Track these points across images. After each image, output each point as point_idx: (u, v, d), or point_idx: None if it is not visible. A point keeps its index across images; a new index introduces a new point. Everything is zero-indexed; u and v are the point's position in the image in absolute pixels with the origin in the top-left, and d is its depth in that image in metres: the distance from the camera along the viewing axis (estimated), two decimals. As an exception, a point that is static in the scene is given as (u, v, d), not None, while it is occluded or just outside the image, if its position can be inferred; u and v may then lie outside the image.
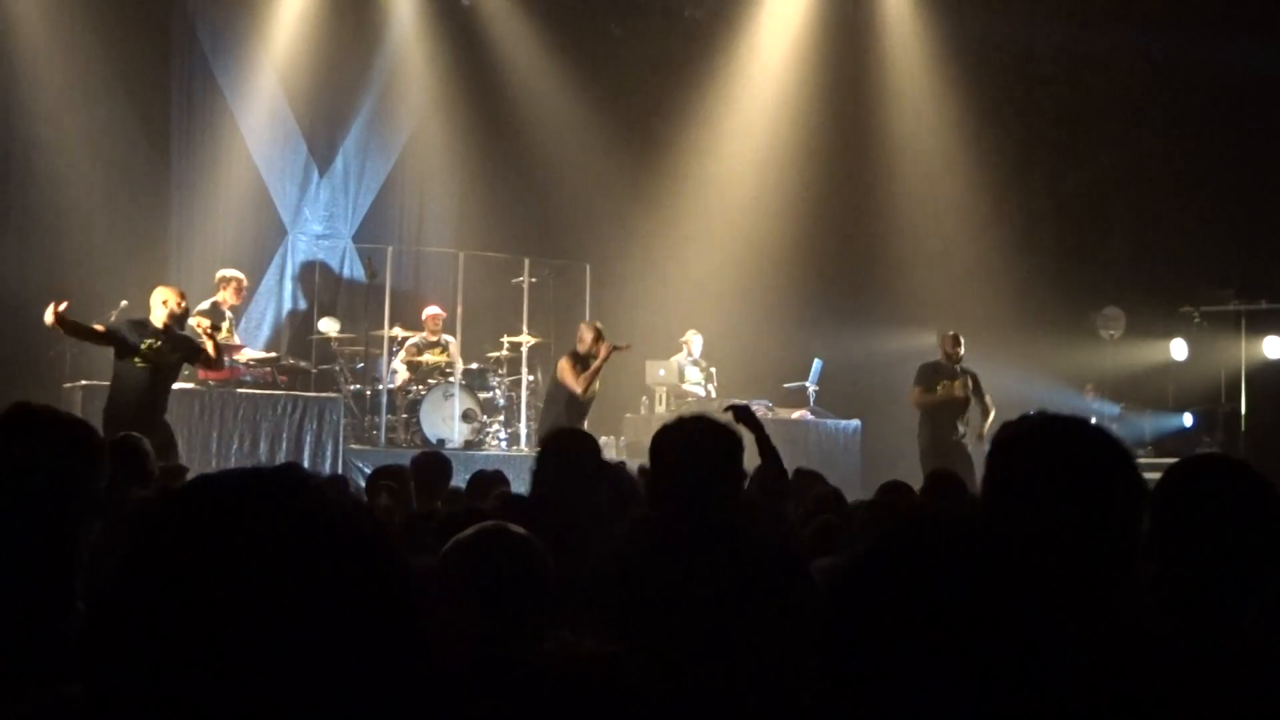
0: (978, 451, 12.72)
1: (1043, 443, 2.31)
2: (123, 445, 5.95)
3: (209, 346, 10.53)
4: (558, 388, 12.95)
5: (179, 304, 10.36)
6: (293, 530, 1.18)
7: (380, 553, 1.22)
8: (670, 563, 3.54)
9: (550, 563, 3.00)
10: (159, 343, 10.26)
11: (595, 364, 12.75)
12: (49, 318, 9.89)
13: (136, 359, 10.16)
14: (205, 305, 13.19)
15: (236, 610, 1.14)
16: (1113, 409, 16.36)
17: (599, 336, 12.91)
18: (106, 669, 1.16)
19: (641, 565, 3.58)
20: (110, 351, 10.38)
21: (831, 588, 1.57)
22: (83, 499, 2.42)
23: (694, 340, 15.51)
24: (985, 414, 13.35)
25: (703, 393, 15.24)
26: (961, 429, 13.22)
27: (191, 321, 10.63)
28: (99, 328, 10.47)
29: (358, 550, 1.21)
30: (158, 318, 10.30)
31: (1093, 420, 2.46)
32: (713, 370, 15.59)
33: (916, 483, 7.26)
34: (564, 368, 12.84)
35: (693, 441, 3.77)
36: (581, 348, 12.91)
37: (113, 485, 5.43)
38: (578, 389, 12.67)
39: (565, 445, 4.97)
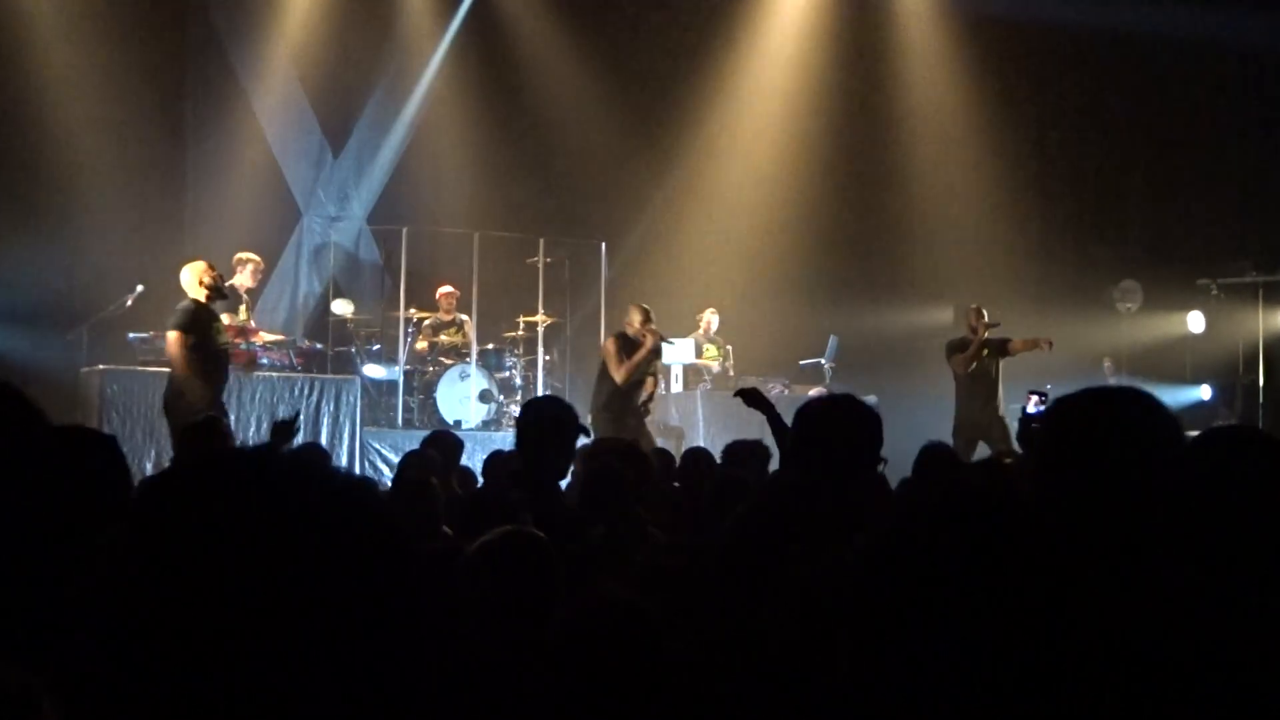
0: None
1: (1099, 416, 2.30)
2: (205, 427, 6.15)
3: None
4: (603, 370, 12.31)
5: (214, 277, 10.42)
6: (292, 507, 1.19)
7: (381, 531, 1.23)
8: (806, 523, 3.64)
9: (559, 566, 3.09)
10: (217, 320, 10.45)
11: (638, 355, 12.00)
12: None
13: (219, 342, 10.32)
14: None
15: (232, 586, 1.15)
16: (1128, 383, 16.31)
17: (647, 318, 12.23)
18: (119, 637, 1.18)
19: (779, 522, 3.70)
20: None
21: (864, 563, 1.58)
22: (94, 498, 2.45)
23: (712, 319, 15.48)
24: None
25: (718, 369, 15.22)
26: (998, 402, 13.12)
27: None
28: (190, 340, 10.23)
29: (358, 528, 1.21)
30: (199, 296, 10.35)
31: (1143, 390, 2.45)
32: (729, 348, 15.58)
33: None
34: (608, 350, 12.22)
35: (844, 418, 4.02)
36: (630, 330, 12.25)
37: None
38: (617, 377, 12.01)
39: (540, 414, 5.35)
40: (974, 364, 13.13)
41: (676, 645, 2.71)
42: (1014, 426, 13.04)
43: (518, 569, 3.07)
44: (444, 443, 8.04)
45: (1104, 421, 2.30)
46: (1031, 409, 5.65)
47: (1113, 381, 15.87)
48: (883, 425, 4.06)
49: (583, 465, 5.77)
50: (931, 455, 6.32)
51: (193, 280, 10.36)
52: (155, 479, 1.25)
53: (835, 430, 3.96)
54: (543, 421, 5.28)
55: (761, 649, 2.90)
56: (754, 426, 8.02)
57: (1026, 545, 1.56)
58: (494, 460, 7.46)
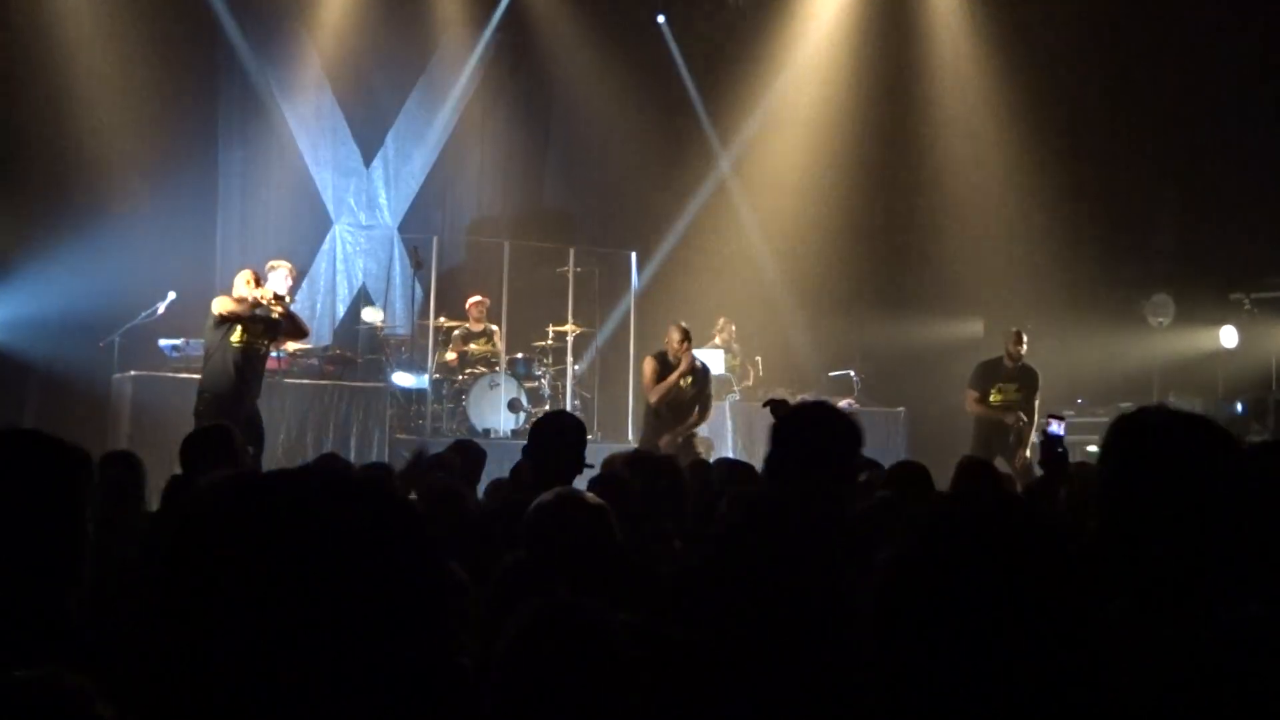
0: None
1: (1165, 438, 2.28)
2: (210, 434, 6.22)
3: (277, 312, 10.61)
4: (642, 390, 12.29)
5: (254, 283, 10.50)
6: (329, 525, 1.20)
7: (414, 549, 1.24)
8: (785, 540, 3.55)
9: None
10: (253, 323, 10.45)
11: (671, 378, 11.75)
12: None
13: (235, 340, 10.32)
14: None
15: (270, 597, 1.16)
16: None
17: (685, 338, 11.96)
18: (159, 634, 1.19)
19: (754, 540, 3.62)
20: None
21: (884, 579, 1.59)
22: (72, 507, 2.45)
23: (727, 328, 15.46)
24: (1027, 428, 12.65)
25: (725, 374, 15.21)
26: (1012, 436, 12.73)
27: (255, 293, 10.60)
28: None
29: (392, 546, 1.22)
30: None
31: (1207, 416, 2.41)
32: (759, 359, 15.56)
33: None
34: (645, 372, 12.05)
35: (820, 425, 3.90)
36: (669, 351, 12.00)
37: (201, 472, 5.57)
38: (650, 399, 11.91)
39: (549, 430, 5.61)
40: (981, 414, 12.84)
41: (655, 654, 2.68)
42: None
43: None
44: (467, 450, 8.01)
45: (1181, 446, 2.27)
46: (1054, 430, 5.52)
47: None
48: (861, 433, 3.94)
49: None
50: (967, 469, 6.27)
51: (239, 287, 10.55)
52: (199, 491, 1.26)
53: (810, 439, 3.84)
54: (548, 430, 5.58)
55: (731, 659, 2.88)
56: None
57: (1052, 563, 1.57)
58: (522, 470, 7.44)
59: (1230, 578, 2.18)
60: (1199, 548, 2.16)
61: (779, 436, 3.89)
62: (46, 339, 13.82)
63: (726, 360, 15.23)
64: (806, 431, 3.88)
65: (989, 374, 12.95)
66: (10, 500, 2.35)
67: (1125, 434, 2.31)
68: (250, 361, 10.51)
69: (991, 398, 12.85)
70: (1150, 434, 2.29)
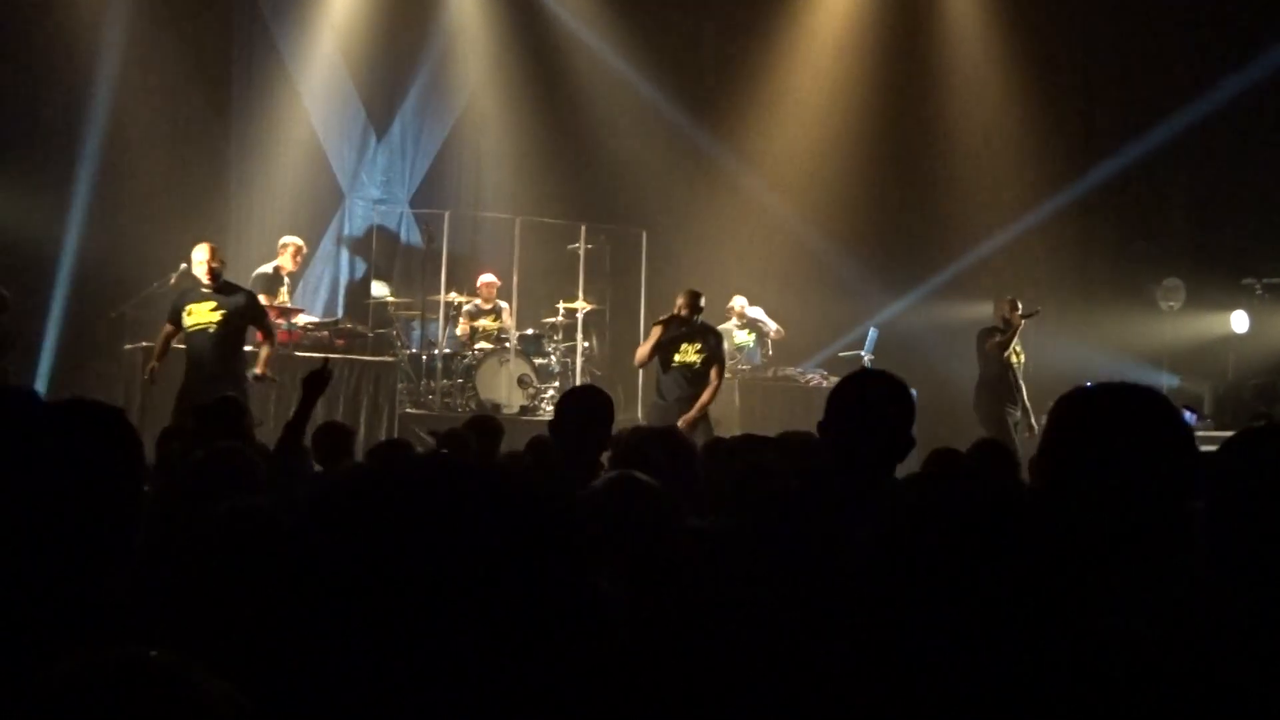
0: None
1: (1100, 409, 2.30)
2: (218, 407, 6.39)
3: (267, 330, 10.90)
4: None
5: (210, 257, 10.58)
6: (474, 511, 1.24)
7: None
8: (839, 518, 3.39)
9: None
10: (201, 304, 10.47)
11: (646, 344, 11.21)
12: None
13: (185, 324, 10.43)
14: (268, 269, 13.32)
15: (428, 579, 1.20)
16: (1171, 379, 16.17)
17: (686, 302, 11.24)
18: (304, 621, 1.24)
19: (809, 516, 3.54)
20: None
21: (871, 554, 1.61)
22: (121, 478, 2.44)
23: (740, 303, 15.31)
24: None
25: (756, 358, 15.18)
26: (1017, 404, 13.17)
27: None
28: (167, 328, 10.94)
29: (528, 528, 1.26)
30: (200, 276, 10.64)
31: (1151, 387, 2.44)
32: (767, 338, 15.53)
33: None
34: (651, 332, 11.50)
35: (872, 396, 3.72)
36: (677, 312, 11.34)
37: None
38: (635, 357, 11.66)
39: (576, 401, 5.64)
40: (1008, 350, 13.18)
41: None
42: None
43: None
44: (484, 426, 8.04)
45: (1111, 417, 2.29)
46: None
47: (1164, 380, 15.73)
48: (913, 403, 3.78)
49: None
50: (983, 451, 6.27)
51: (194, 263, 10.75)
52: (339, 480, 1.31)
53: (873, 410, 3.65)
54: (573, 409, 5.54)
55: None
56: (796, 417, 7.90)
57: (1029, 544, 1.59)
58: (535, 445, 7.46)
59: (1158, 555, 2.20)
60: (1127, 519, 2.17)
61: (840, 409, 3.69)
62: (58, 309, 13.85)
63: (736, 338, 15.17)
64: (873, 404, 3.68)
65: (993, 335, 13.36)
66: (74, 471, 2.34)
67: (1067, 402, 2.34)
68: (199, 345, 10.66)
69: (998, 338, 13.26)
70: (1089, 403, 2.31)
